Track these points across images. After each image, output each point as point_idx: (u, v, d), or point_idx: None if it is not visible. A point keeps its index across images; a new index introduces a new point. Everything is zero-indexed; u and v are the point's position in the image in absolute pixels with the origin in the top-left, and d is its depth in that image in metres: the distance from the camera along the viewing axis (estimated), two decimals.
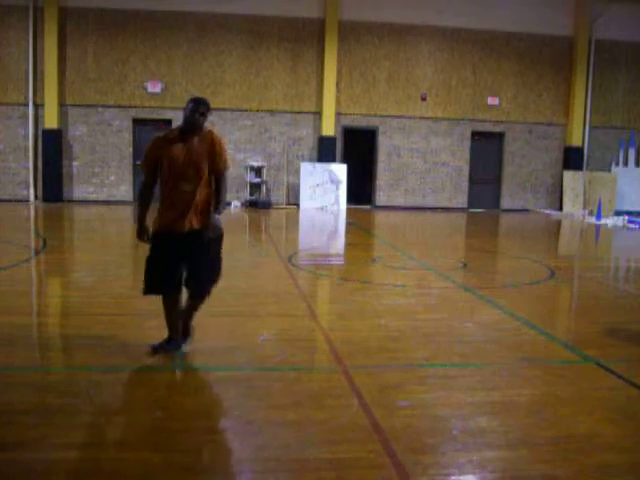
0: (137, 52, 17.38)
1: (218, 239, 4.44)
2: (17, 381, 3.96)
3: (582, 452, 3.19)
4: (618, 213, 17.82)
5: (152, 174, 4.40)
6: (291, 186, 18.27)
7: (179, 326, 4.55)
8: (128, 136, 17.53)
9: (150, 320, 5.44)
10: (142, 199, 4.47)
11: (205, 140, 4.36)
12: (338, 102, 18.14)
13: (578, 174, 18.87)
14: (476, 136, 19.05)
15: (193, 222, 4.30)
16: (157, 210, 4.42)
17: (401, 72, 18.47)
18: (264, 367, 4.37)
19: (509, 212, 19.00)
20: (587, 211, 18.22)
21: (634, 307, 6.74)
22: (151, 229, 4.41)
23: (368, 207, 18.70)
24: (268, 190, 18.17)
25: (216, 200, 4.40)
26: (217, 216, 4.34)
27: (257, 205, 17.56)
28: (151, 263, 4.39)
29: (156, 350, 4.49)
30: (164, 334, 4.94)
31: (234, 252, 9.06)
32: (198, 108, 4.30)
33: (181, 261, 4.36)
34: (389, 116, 18.52)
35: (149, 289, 4.42)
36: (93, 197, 17.56)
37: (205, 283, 4.44)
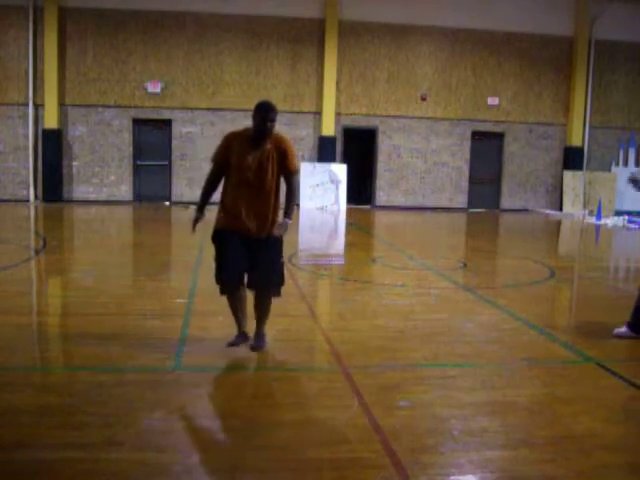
0: (137, 52, 17.36)
1: (279, 243, 4.43)
2: (17, 381, 3.96)
3: (582, 452, 3.19)
4: (618, 213, 17.81)
5: (220, 168, 4.39)
6: None
7: (245, 321, 4.57)
8: (128, 136, 17.51)
9: (151, 320, 5.45)
10: (204, 190, 4.47)
11: (274, 145, 4.31)
12: (338, 102, 18.13)
13: (578, 174, 18.87)
14: (476, 136, 19.05)
15: (255, 230, 4.32)
16: (219, 208, 4.43)
17: (401, 72, 18.46)
18: (264, 367, 4.37)
19: (509, 212, 19.00)
20: (587, 211, 18.21)
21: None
22: (214, 226, 4.41)
23: (368, 207, 18.69)
24: None
25: (287, 203, 4.45)
26: (288, 220, 4.40)
27: None
28: (217, 261, 4.39)
29: (231, 345, 4.51)
30: (165, 334, 4.95)
31: None
32: (268, 116, 4.21)
33: (244, 259, 4.32)
34: (389, 116, 18.51)
35: (222, 289, 4.43)
36: (93, 197, 17.55)
37: (265, 285, 4.42)
